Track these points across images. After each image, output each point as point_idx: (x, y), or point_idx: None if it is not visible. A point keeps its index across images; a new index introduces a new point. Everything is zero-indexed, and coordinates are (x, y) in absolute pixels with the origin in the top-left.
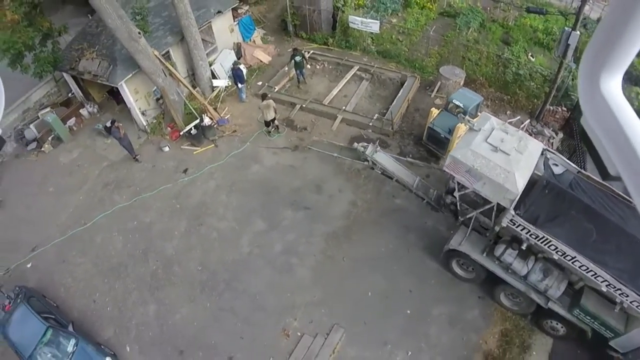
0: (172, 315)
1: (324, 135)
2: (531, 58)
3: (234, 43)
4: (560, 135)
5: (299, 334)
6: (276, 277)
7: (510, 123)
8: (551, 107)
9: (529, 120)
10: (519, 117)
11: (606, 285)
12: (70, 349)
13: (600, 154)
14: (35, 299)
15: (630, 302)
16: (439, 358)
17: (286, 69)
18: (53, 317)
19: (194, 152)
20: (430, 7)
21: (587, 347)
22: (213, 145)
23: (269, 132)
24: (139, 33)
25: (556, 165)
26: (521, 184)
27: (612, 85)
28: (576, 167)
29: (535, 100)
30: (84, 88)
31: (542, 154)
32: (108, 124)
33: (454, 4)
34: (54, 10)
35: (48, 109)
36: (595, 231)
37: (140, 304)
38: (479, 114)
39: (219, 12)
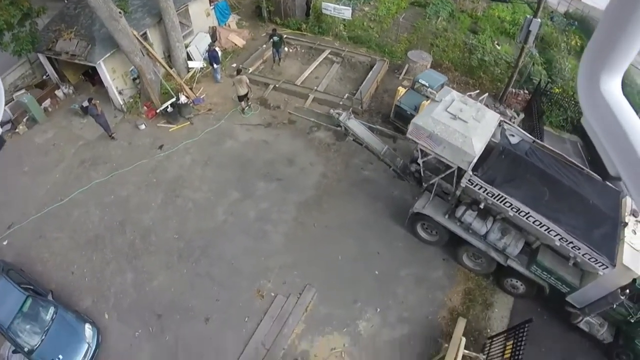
0: (149, 282)
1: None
2: (497, 46)
3: (209, 27)
4: (522, 115)
5: (273, 294)
6: (250, 243)
7: (470, 96)
8: (513, 90)
9: (487, 94)
10: (478, 91)
11: (559, 240)
12: (49, 317)
13: (600, 154)
14: (13, 272)
15: (582, 255)
16: (406, 314)
17: (264, 46)
18: (32, 287)
19: (170, 130)
20: None
21: (546, 305)
22: (189, 123)
23: (243, 109)
24: (120, 12)
25: (512, 135)
26: (478, 147)
27: (612, 85)
28: (531, 137)
29: (499, 84)
30: (59, 70)
31: (499, 125)
32: (84, 104)
33: None
34: None
35: (23, 90)
36: (548, 192)
37: (118, 273)
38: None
39: None
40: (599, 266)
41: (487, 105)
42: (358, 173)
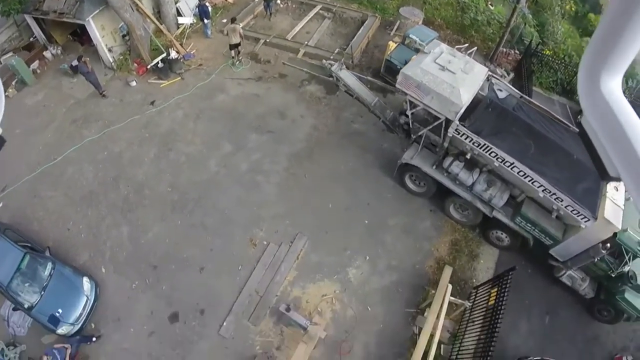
0: (144, 234)
1: (286, 67)
2: (490, 6)
3: None
4: (512, 75)
5: (265, 243)
6: (243, 194)
7: (458, 50)
8: (504, 50)
9: (476, 48)
10: (467, 45)
11: (542, 191)
12: (47, 272)
13: (600, 154)
14: (10, 231)
15: (565, 207)
16: (394, 262)
17: (255, 1)
18: (29, 245)
19: (161, 86)
20: None
21: (530, 259)
22: (180, 78)
23: (233, 60)
24: None
25: (500, 90)
26: (465, 98)
27: (613, 85)
28: (519, 92)
29: (491, 43)
30: (46, 30)
31: (487, 79)
32: (74, 63)
33: None
34: None
35: (10, 53)
36: (534, 146)
37: (113, 227)
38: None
39: None
40: (581, 219)
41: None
42: (348, 126)
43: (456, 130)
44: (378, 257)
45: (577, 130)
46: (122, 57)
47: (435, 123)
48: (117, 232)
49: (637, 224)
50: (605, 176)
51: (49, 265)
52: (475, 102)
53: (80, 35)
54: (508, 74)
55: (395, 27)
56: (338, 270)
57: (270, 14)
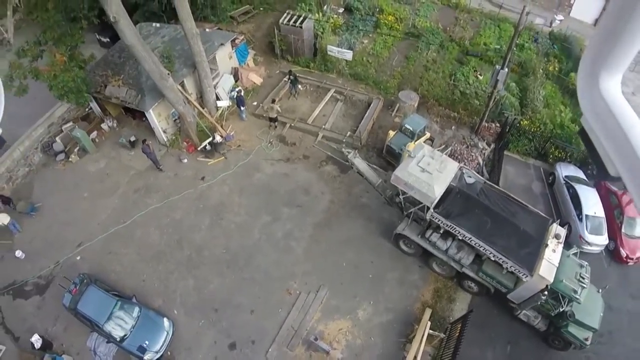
0: (206, 285)
1: (308, 149)
2: (479, 77)
3: (232, 68)
4: (493, 146)
5: (298, 292)
6: (280, 255)
7: (439, 147)
8: (486, 124)
9: (450, 148)
10: (444, 147)
11: (492, 256)
12: (135, 314)
13: (600, 153)
14: (99, 282)
15: (510, 267)
16: (390, 305)
17: (279, 85)
18: (117, 292)
19: (208, 164)
20: (397, 27)
21: (495, 302)
22: (223, 157)
23: (268, 145)
24: (168, 74)
25: (470, 177)
26: (438, 192)
27: (612, 85)
28: (483, 178)
29: (476, 117)
30: (101, 104)
31: (459, 169)
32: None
33: (417, 24)
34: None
35: (70, 123)
36: (490, 222)
37: (181, 280)
38: (426, 132)
39: (222, 44)
40: (522, 275)
41: (463, 138)
42: (357, 200)
43: (432, 215)
44: (379, 302)
45: (527, 206)
46: (173, 137)
47: (419, 206)
48: (184, 283)
49: (573, 276)
50: (605, 175)
51: (137, 309)
52: (448, 191)
53: (133, 110)
54: (489, 146)
55: (396, 109)
56: (350, 311)
57: (296, 92)
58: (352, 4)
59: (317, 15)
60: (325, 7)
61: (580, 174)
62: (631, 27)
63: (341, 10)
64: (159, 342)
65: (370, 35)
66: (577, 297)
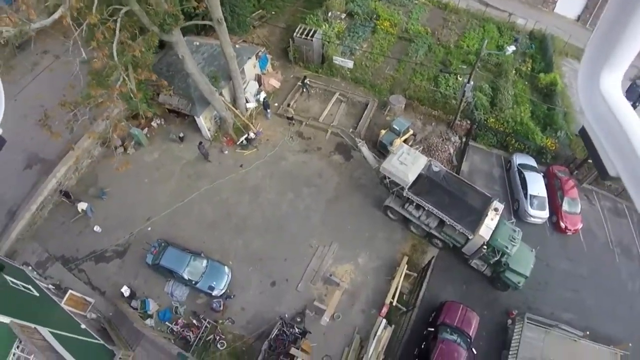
0: (251, 244)
1: (321, 142)
2: (459, 78)
3: (255, 74)
4: (464, 139)
5: (316, 246)
6: (302, 222)
7: (414, 137)
8: (459, 121)
9: (422, 147)
10: (418, 146)
11: (448, 221)
12: (204, 264)
13: (600, 153)
14: (174, 244)
15: (460, 229)
16: (381, 254)
17: (293, 89)
18: (189, 250)
19: (244, 154)
20: (392, 31)
21: (455, 254)
22: (256, 149)
23: (289, 139)
24: (216, 90)
25: (436, 167)
26: (411, 178)
27: (612, 85)
28: (445, 167)
29: (452, 116)
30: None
31: (429, 161)
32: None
33: (409, 29)
34: None
35: (124, 121)
36: (447, 199)
37: (232, 240)
38: (410, 130)
39: (249, 57)
40: (468, 234)
41: (440, 133)
42: (357, 181)
43: (406, 193)
44: (372, 252)
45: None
46: (215, 133)
47: (399, 187)
48: (235, 243)
49: (507, 237)
50: (605, 176)
51: (205, 262)
52: (419, 177)
53: (176, 111)
54: (461, 139)
55: (387, 110)
56: (352, 259)
57: (307, 92)
58: (353, 9)
59: (324, 26)
60: (329, 13)
61: (532, 162)
62: (631, 26)
63: (343, 15)
64: (223, 283)
65: (369, 39)
66: (508, 251)
